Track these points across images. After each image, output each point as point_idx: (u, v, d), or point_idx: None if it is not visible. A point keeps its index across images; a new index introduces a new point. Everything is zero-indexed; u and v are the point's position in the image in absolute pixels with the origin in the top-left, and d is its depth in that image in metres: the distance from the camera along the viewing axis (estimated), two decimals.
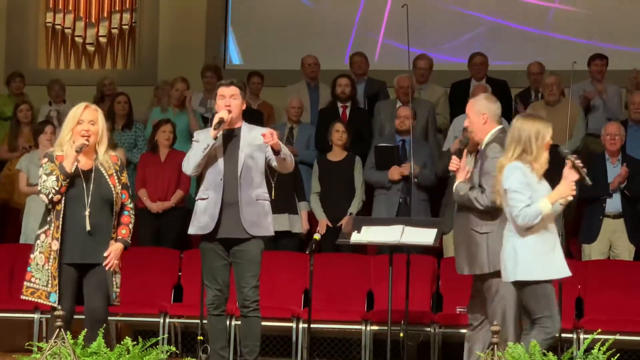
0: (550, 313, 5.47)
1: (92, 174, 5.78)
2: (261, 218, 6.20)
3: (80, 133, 5.76)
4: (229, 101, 6.21)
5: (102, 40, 12.04)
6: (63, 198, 5.73)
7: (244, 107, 6.29)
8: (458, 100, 9.86)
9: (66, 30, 12.08)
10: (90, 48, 12.08)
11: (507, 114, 9.61)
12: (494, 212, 5.89)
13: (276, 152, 6.13)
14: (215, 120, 6.14)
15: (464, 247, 6.09)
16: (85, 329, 5.24)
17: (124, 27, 12.00)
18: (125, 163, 8.88)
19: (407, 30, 8.32)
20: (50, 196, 5.72)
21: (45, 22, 12.10)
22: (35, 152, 9.00)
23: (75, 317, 5.81)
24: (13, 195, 9.44)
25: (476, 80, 9.87)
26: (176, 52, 11.56)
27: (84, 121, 5.78)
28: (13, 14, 11.92)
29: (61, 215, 5.73)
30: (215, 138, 6.10)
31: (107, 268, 5.74)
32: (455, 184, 6.10)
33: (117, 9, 12.05)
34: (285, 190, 8.49)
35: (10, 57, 11.81)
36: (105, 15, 12.08)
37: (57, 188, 5.71)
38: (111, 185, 5.79)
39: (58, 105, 10.40)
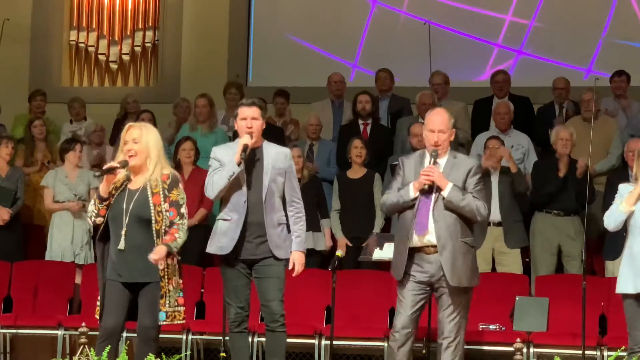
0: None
1: (137, 193, 5.75)
2: (284, 241, 6.24)
3: (127, 153, 5.76)
4: (250, 122, 6.20)
5: (125, 58, 12.12)
6: (107, 219, 5.76)
7: (264, 126, 6.29)
8: (481, 118, 9.89)
9: (89, 49, 12.17)
10: (114, 66, 12.16)
11: (530, 130, 9.63)
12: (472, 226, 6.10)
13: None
14: (240, 148, 6.12)
15: (453, 258, 6.01)
16: (137, 345, 5.26)
17: (147, 44, 12.08)
18: None
19: (429, 47, 8.36)
20: (92, 219, 5.81)
21: (69, 41, 12.20)
22: (61, 169, 9.06)
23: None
24: (34, 211, 9.49)
25: (498, 98, 9.88)
26: (199, 69, 11.61)
27: (128, 141, 5.78)
28: (37, 32, 12.02)
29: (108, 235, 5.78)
30: (239, 164, 6.11)
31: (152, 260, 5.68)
32: (450, 188, 5.97)
33: (140, 27, 12.13)
34: (308, 207, 8.47)
35: (35, 76, 11.90)
36: (129, 33, 12.16)
37: (96, 211, 5.77)
38: (151, 204, 5.72)
39: (79, 123, 10.46)
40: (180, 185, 5.84)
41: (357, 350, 8.04)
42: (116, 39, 12.18)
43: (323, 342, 7.71)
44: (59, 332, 7.85)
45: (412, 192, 6.04)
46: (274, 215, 6.21)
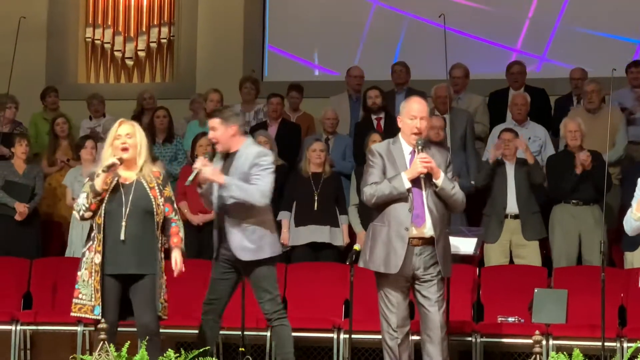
0: None
1: (133, 187, 5.87)
2: (254, 243, 6.26)
3: (119, 147, 5.86)
4: (211, 134, 6.35)
5: (141, 54, 12.15)
6: (102, 212, 5.82)
7: (232, 132, 6.29)
8: (497, 110, 9.86)
9: (105, 45, 12.20)
10: (129, 62, 12.19)
11: (547, 122, 9.60)
12: None
13: None
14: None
15: (444, 249, 6.01)
16: (139, 341, 5.30)
17: (163, 41, 12.10)
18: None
19: (444, 40, 8.34)
20: (81, 213, 5.88)
21: (85, 38, 12.24)
22: (78, 167, 9.10)
23: (122, 329, 5.86)
24: (55, 209, 9.54)
25: (514, 90, 9.85)
26: (214, 65, 11.63)
27: (121, 136, 5.91)
28: (53, 29, 12.06)
29: (102, 229, 5.83)
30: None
31: (175, 275, 5.93)
32: (443, 176, 5.95)
33: (155, 23, 12.15)
34: (327, 202, 8.51)
35: (51, 73, 11.95)
36: (144, 29, 12.18)
37: (87, 205, 5.83)
38: (152, 197, 5.89)
39: (98, 120, 10.50)
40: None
41: (376, 344, 8.01)
42: (132, 35, 12.21)
43: (342, 335, 7.72)
44: (79, 329, 7.88)
45: (406, 182, 5.94)
46: (236, 218, 6.24)
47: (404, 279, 6.01)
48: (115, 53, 12.19)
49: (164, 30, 12.11)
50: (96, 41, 12.19)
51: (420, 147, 5.95)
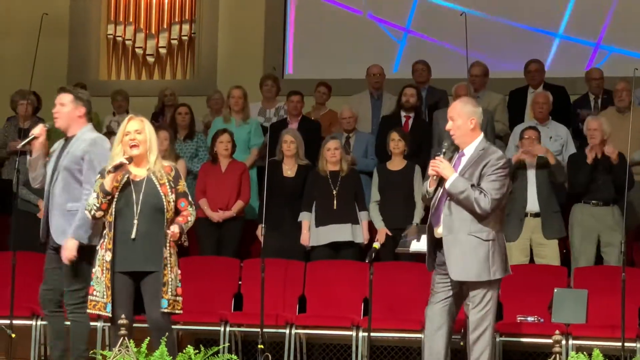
0: None
1: (143, 184, 5.85)
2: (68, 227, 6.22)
3: (128, 143, 5.85)
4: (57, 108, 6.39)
5: (162, 51, 12.19)
6: (113, 209, 5.83)
7: (78, 113, 6.34)
8: (516, 108, 9.83)
9: (127, 42, 12.25)
10: (151, 59, 12.23)
11: (567, 120, 9.57)
12: (495, 218, 5.88)
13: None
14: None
15: (459, 252, 5.89)
16: (152, 337, 5.31)
17: (184, 37, 12.14)
18: (186, 173, 9.00)
19: (465, 38, 8.33)
20: (92, 213, 5.86)
21: (107, 34, 12.29)
22: None
23: (137, 325, 5.88)
24: None
25: (533, 88, 9.82)
26: (235, 62, 11.66)
27: (130, 132, 5.88)
28: (75, 27, 12.12)
29: (112, 227, 5.83)
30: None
31: (169, 237, 5.80)
32: (454, 179, 5.85)
33: (176, 20, 12.19)
34: (346, 200, 8.51)
35: (73, 69, 12.02)
36: (165, 26, 12.22)
37: (97, 205, 5.83)
38: (162, 194, 5.84)
39: (121, 116, 10.53)
40: (183, 177, 6.04)
41: (395, 342, 8.05)
42: (153, 32, 12.25)
43: (361, 334, 7.71)
44: (98, 324, 7.89)
45: (428, 184, 6.00)
46: (57, 201, 6.25)
47: (444, 277, 5.99)
48: (137, 50, 12.23)
49: (185, 27, 12.14)
50: (117, 38, 12.24)
51: (444, 150, 5.98)
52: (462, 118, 5.96)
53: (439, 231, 5.96)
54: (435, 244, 6.01)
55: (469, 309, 5.97)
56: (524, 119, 9.59)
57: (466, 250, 5.86)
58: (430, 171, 5.94)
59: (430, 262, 6.08)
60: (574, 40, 10.96)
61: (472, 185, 5.86)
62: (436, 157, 5.94)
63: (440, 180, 5.95)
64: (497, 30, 11.10)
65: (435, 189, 5.99)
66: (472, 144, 5.98)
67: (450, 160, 6.03)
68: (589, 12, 11.00)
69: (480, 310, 5.92)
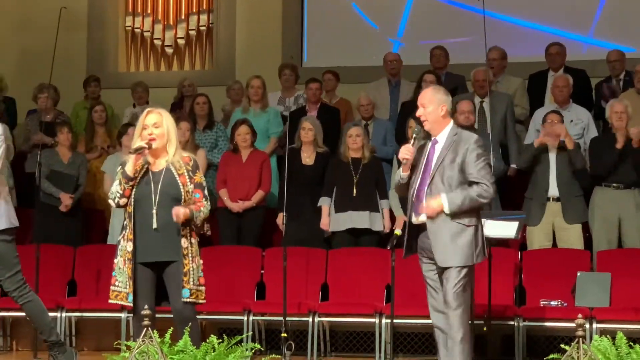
0: None
1: (162, 174, 5.88)
2: None
3: (147, 138, 5.88)
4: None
5: (180, 42, 12.20)
6: (132, 200, 5.86)
7: None
8: (536, 92, 9.79)
9: (145, 34, 12.27)
10: (169, 50, 12.25)
11: (588, 104, 9.52)
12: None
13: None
14: None
15: (443, 238, 5.82)
16: (176, 327, 5.34)
17: (202, 28, 12.15)
18: (206, 166, 9.02)
19: (483, 23, 8.29)
20: (116, 200, 5.90)
21: (125, 26, 12.31)
22: (118, 154, 9.16)
23: (159, 315, 5.91)
24: (94, 196, 9.63)
25: (553, 71, 9.77)
26: (253, 51, 11.65)
27: (148, 125, 5.90)
28: (94, 19, 12.15)
29: (132, 217, 5.87)
30: None
31: (174, 215, 5.78)
32: (447, 200, 5.76)
33: (194, 10, 12.20)
34: (367, 187, 8.50)
35: (92, 62, 12.05)
36: (183, 17, 12.23)
37: (121, 192, 5.86)
38: (180, 184, 5.87)
39: (142, 107, 10.56)
40: (201, 168, 6.05)
41: (418, 328, 8.05)
42: (171, 23, 12.26)
43: (384, 320, 7.73)
44: (122, 315, 7.94)
45: (400, 171, 5.95)
46: None
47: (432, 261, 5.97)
48: (155, 41, 12.25)
49: (203, 17, 12.15)
50: (136, 30, 12.27)
51: (414, 136, 5.95)
52: (433, 105, 5.93)
53: (420, 218, 5.88)
54: (415, 231, 5.93)
55: (448, 289, 5.86)
56: (543, 103, 9.54)
57: (451, 236, 5.80)
58: (400, 157, 5.90)
59: (407, 250, 6.00)
60: (603, 44, 10.84)
61: (462, 184, 5.79)
62: (404, 147, 5.91)
63: (413, 167, 5.90)
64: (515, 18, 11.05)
65: (410, 175, 5.93)
66: (444, 131, 5.92)
67: (422, 147, 5.96)
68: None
69: (455, 285, 5.82)
